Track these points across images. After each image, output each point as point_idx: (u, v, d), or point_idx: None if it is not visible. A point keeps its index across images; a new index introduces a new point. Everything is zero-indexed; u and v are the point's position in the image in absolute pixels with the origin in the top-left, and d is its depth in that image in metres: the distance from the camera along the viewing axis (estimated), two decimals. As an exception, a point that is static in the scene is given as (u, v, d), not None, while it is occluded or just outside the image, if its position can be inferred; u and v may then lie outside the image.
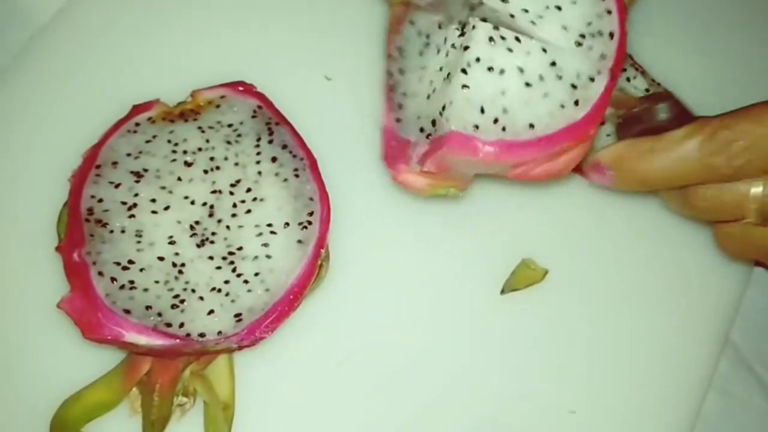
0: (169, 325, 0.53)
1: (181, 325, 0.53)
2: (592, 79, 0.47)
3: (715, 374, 0.62)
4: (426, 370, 0.59)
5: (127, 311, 0.53)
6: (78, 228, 0.55)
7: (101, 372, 0.55)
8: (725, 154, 0.44)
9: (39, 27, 0.66)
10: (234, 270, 0.55)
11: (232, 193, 0.58)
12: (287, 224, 0.57)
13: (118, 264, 0.54)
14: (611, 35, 0.48)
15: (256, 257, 0.56)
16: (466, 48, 0.46)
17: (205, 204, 0.57)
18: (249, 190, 0.58)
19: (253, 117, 0.61)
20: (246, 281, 0.55)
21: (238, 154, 0.59)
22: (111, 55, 0.65)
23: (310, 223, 0.57)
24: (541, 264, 0.62)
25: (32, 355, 0.57)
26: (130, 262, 0.55)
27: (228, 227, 0.57)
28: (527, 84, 0.46)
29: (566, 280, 0.61)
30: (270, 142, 0.60)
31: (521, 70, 0.46)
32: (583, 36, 0.47)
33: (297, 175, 0.59)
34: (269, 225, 0.57)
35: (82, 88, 0.64)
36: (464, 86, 0.45)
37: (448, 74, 0.47)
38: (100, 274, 0.54)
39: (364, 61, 0.64)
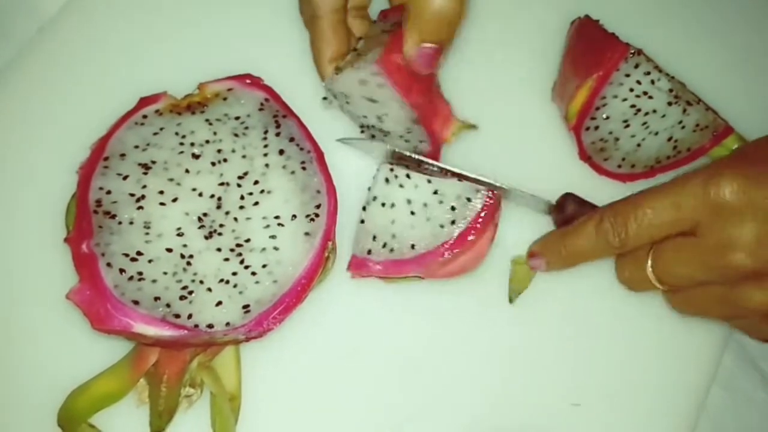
0: (177, 316, 0.53)
1: (190, 316, 0.54)
2: (469, 199, 0.58)
3: (719, 369, 0.63)
4: (431, 362, 0.59)
5: (136, 302, 0.53)
6: (86, 219, 0.55)
7: (109, 363, 0.55)
8: (611, 234, 0.55)
9: (47, 19, 0.66)
10: (242, 262, 0.56)
11: (239, 186, 0.58)
12: (294, 216, 0.57)
13: (127, 255, 0.54)
14: None
15: (263, 249, 0.56)
16: (369, 189, 0.59)
17: (212, 196, 0.57)
18: (256, 182, 0.58)
19: (260, 110, 0.61)
20: (254, 273, 0.55)
21: (245, 147, 0.59)
22: (118, 48, 0.65)
23: (317, 215, 0.57)
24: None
25: (41, 346, 0.57)
26: (139, 253, 0.55)
27: (236, 219, 0.57)
28: (412, 212, 0.58)
29: (570, 275, 0.61)
30: (277, 134, 0.60)
31: (409, 201, 0.58)
32: None
33: (304, 168, 0.59)
34: (276, 217, 0.57)
35: (90, 80, 0.64)
36: (362, 221, 0.58)
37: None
38: (109, 265, 0.54)
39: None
